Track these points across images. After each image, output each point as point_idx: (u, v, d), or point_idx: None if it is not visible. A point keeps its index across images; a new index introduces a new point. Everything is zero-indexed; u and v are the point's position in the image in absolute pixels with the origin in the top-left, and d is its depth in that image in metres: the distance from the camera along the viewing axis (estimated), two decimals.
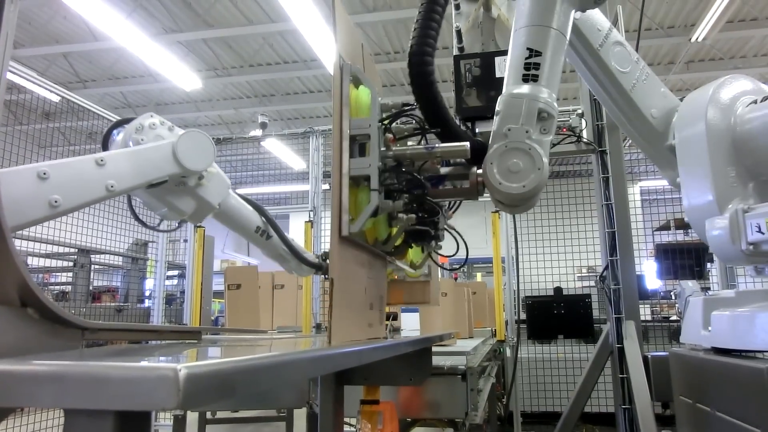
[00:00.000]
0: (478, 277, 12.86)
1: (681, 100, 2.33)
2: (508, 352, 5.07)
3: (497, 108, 1.78)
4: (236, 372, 0.64)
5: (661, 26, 8.44)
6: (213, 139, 1.53)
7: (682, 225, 6.50)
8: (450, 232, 2.00)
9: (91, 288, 6.34)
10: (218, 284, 6.73)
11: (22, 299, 0.85)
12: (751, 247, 1.81)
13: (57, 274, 7.74)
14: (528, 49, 1.84)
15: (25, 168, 1.03)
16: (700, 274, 5.54)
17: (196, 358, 0.90)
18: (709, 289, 5.18)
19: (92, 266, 6.09)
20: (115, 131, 1.36)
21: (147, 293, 6.82)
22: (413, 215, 1.62)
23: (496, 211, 5.01)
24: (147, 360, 0.78)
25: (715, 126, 2.05)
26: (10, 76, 4.08)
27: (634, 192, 7.87)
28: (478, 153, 1.73)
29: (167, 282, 6.37)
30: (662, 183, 5.60)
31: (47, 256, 6.17)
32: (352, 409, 1.99)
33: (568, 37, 1.95)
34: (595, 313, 5.19)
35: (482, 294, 5.29)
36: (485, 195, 1.81)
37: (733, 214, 1.87)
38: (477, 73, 2.18)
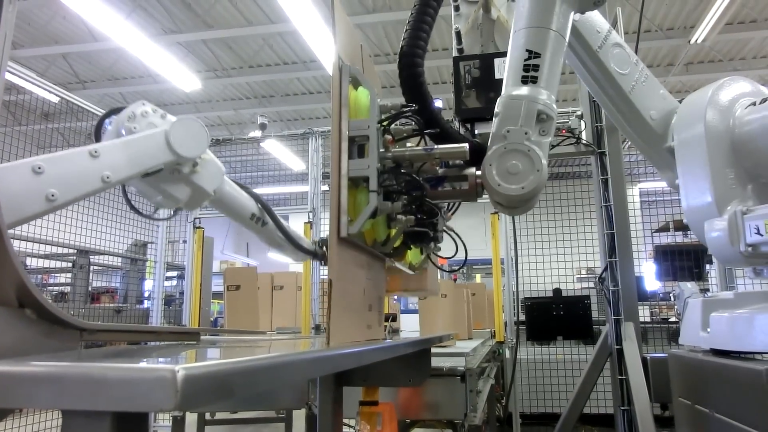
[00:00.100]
0: (478, 278, 12.86)
1: (680, 101, 2.33)
2: (508, 353, 5.08)
3: (496, 109, 1.78)
4: (234, 373, 0.64)
5: (660, 28, 8.45)
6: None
7: (681, 226, 6.49)
8: (449, 234, 2.00)
9: (90, 289, 6.33)
10: (217, 285, 6.73)
11: (20, 300, 0.85)
12: (749, 248, 1.81)
13: (56, 274, 7.73)
14: (527, 50, 1.84)
15: (20, 163, 1.03)
16: (699, 276, 5.55)
17: (194, 360, 0.90)
18: (708, 290, 5.18)
19: (91, 267, 6.08)
20: (107, 120, 1.35)
21: (146, 294, 6.81)
22: (412, 216, 1.62)
23: (496, 213, 5.01)
24: (145, 361, 0.78)
25: (714, 128, 2.05)
26: (9, 76, 4.08)
27: (633, 193, 7.87)
28: (477, 154, 1.74)
29: (166, 283, 6.36)
30: (661, 185, 5.61)
31: (46, 256, 6.16)
32: (351, 410, 1.99)
33: (567, 39, 1.95)
34: (594, 315, 5.19)
35: (481, 295, 5.29)
36: (484, 196, 1.81)
37: (731, 215, 1.87)
38: (476, 74, 2.19)
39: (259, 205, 1.67)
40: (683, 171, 2.17)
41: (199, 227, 5.53)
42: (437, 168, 1.81)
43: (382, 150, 1.52)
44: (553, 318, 5.20)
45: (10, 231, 0.93)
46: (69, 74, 9.76)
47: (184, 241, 5.76)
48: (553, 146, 3.50)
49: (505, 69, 1.88)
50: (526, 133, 1.69)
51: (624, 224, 3.64)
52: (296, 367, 0.85)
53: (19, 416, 4.28)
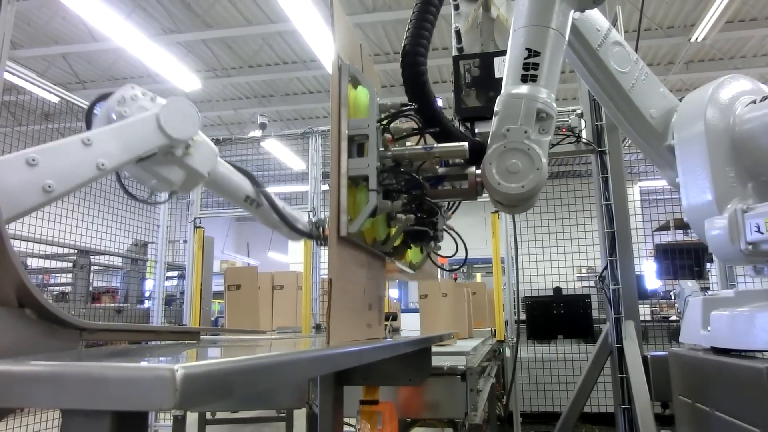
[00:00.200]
0: (478, 277, 12.87)
1: (680, 100, 2.33)
2: (508, 352, 5.07)
3: (496, 108, 1.78)
4: (234, 372, 0.64)
5: (660, 26, 8.45)
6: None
7: (682, 225, 6.50)
8: (449, 233, 2.00)
9: (90, 289, 6.33)
10: (218, 285, 6.73)
11: (20, 300, 0.85)
12: (750, 246, 1.81)
13: (57, 275, 7.73)
14: (527, 49, 1.84)
15: (14, 156, 1.02)
16: (699, 274, 5.54)
17: (193, 359, 0.90)
18: (708, 289, 5.18)
19: (92, 267, 6.08)
20: (96, 106, 1.33)
21: (147, 294, 6.82)
22: (412, 215, 1.62)
23: (496, 212, 5.01)
24: (144, 360, 0.78)
25: (714, 126, 2.05)
26: (9, 77, 4.08)
27: (634, 192, 7.86)
28: (477, 153, 1.74)
29: (167, 283, 6.35)
30: (662, 183, 5.60)
31: (47, 257, 6.16)
32: (352, 410, 1.99)
33: (566, 38, 1.95)
34: (595, 313, 5.19)
35: (482, 294, 5.29)
36: (484, 195, 1.81)
37: (732, 214, 1.87)
38: (476, 73, 2.18)
39: (255, 186, 1.66)
40: (683, 169, 2.17)
41: (199, 227, 5.53)
42: (437, 167, 1.81)
43: (381, 149, 1.52)
44: (553, 317, 5.20)
45: (11, 231, 0.93)
46: (69, 74, 9.76)
47: (185, 241, 5.76)
48: (553, 145, 3.50)
49: (505, 68, 1.88)
50: (525, 132, 1.69)
51: (624, 223, 3.63)
52: (296, 366, 0.85)
53: (20, 416, 4.28)
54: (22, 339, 0.85)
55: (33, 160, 1.03)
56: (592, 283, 6.13)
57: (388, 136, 1.57)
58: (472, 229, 4.36)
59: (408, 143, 1.75)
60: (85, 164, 1.13)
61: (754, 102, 2.01)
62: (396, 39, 8.88)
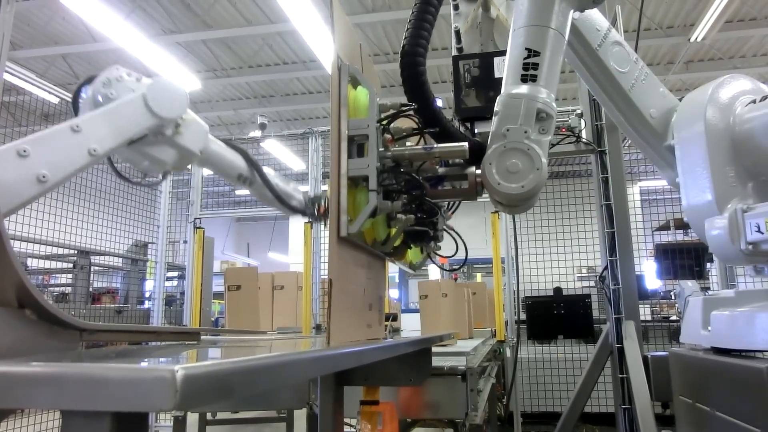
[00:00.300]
0: (478, 277, 12.87)
1: (680, 100, 2.33)
2: (508, 352, 5.07)
3: (496, 108, 1.78)
4: (234, 373, 0.64)
5: (660, 26, 8.45)
6: None
7: (682, 225, 6.50)
8: (449, 233, 2.00)
9: (90, 289, 6.33)
10: (218, 285, 6.73)
11: (20, 300, 0.85)
12: (750, 246, 1.81)
13: (57, 275, 7.73)
14: (526, 49, 1.84)
15: (4, 149, 1.00)
16: (699, 274, 5.54)
17: (194, 360, 0.90)
18: (708, 288, 5.18)
19: (92, 267, 6.08)
20: (82, 90, 1.31)
21: (147, 294, 6.82)
22: (412, 216, 1.62)
23: (496, 212, 5.01)
24: (144, 361, 0.78)
25: (714, 126, 2.05)
26: (8, 77, 4.08)
27: (634, 192, 7.86)
28: (477, 153, 1.73)
29: (167, 283, 6.35)
30: (662, 183, 5.60)
31: (47, 257, 6.16)
32: (352, 410, 1.99)
33: (566, 37, 1.95)
34: (595, 314, 5.19)
35: (482, 294, 5.28)
36: (484, 195, 1.81)
37: (732, 213, 1.87)
38: (476, 73, 2.18)
39: (248, 162, 1.65)
40: (683, 169, 2.17)
41: (199, 227, 5.54)
42: (437, 167, 1.81)
43: (381, 149, 1.52)
44: (553, 317, 5.20)
45: (11, 232, 0.93)
46: (69, 75, 9.76)
47: (185, 242, 5.76)
48: (553, 145, 3.50)
49: (505, 68, 1.88)
50: (525, 132, 1.69)
51: (624, 223, 3.63)
52: (296, 366, 0.85)
53: (20, 417, 4.28)
54: (22, 340, 0.85)
55: (24, 151, 1.02)
56: (592, 283, 6.12)
57: (388, 136, 1.57)
58: (472, 229, 4.36)
59: (408, 143, 1.75)
60: (77, 151, 1.12)
61: (754, 102, 2.01)
62: (396, 39, 8.88)
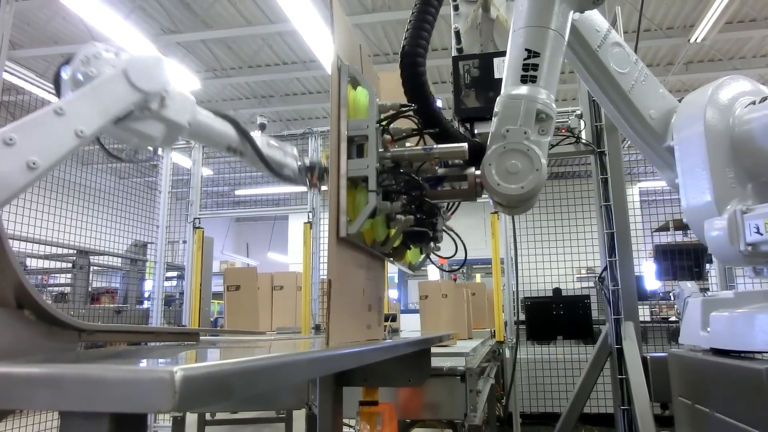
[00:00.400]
0: (477, 278, 12.87)
1: (680, 101, 2.33)
2: (508, 353, 5.07)
3: (495, 109, 1.77)
4: (233, 374, 0.64)
5: (660, 27, 8.45)
6: None
7: (681, 226, 6.49)
8: (449, 233, 2.00)
9: (90, 289, 6.33)
10: (217, 285, 6.73)
11: (19, 301, 0.85)
12: (749, 248, 1.81)
13: (56, 275, 7.73)
14: (526, 50, 1.84)
15: None
16: (699, 275, 5.55)
17: (193, 360, 0.90)
18: (708, 290, 5.18)
19: (91, 267, 6.08)
20: (62, 70, 1.28)
21: (146, 294, 6.81)
22: (411, 216, 1.62)
23: (495, 212, 5.01)
24: (143, 362, 0.78)
25: (713, 127, 2.05)
26: (8, 77, 4.08)
27: (633, 193, 7.87)
28: (477, 154, 1.73)
29: (166, 283, 6.35)
30: (661, 184, 5.60)
31: (46, 257, 6.16)
32: (351, 411, 1.99)
33: (566, 38, 1.95)
34: (594, 314, 5.19)
35: (481, 295, 5.28)
36: (484, 196, 1.81)
37: (731, 215, 1.87)
38: (476, 74, 2.18)
39: (238, 131, 1.64)
40: (683, 170, 2.17)
41: (198, 227, 5.53)
42: (437, 168, 1.80)
43: (381, 150, 1.52)
44: (553, 318, 5.20)
45: (9, 231, 0.93)
46: None
47: (184, 242, 5.76)
48: (552, 146, 3.49)
49: (504, 68, 1.88)
50: (525, 133, 1.69)
51: (624, 224, 3.64)
52: (295, 367, 0.85)
53: (19, 417, 4.28)
54: (20, 340, 0.85)
55: (10, 139, 1.00)
56: (591, 284, 6.13)
57: (388, 136, 1.57)
58: (471, 230, 4.35)
59: (407, 144, 1.75)
60: (64, 134, 1.11)
61: (754, 103, 2.01)
62: (396, 39, 8.88)
